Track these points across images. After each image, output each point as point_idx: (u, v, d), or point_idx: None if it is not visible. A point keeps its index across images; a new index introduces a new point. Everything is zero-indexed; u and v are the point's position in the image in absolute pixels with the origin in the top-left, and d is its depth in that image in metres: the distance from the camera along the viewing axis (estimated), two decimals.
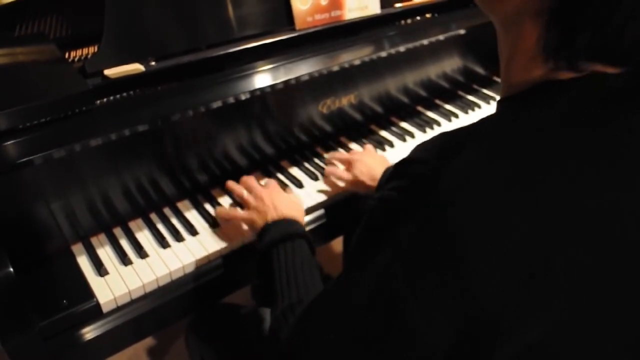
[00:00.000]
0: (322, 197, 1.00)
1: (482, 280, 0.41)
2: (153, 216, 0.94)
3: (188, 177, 0.96)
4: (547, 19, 0.45)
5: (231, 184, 0.96)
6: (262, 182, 0.99)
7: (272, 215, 0.83)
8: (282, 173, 1.06)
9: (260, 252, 0.78)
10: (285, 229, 0.79)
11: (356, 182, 0.98)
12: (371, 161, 0.99)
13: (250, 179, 0.94)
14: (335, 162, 1.05)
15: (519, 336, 0.41)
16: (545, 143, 0.43)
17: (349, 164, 1.01)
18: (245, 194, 0.91)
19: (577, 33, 0.43)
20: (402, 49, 1.10)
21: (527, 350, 0.41)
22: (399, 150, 1.14)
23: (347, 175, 0.99)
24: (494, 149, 0.44)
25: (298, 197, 0.96)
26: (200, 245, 0.89)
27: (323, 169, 1.06)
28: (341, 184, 1.01)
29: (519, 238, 0.41)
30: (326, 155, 1.09)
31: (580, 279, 0.41)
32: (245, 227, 0.90)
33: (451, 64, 1.29)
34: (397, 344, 0.45)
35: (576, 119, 0.44)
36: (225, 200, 0.98)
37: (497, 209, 0.41)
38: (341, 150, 1.13)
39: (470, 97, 1.33)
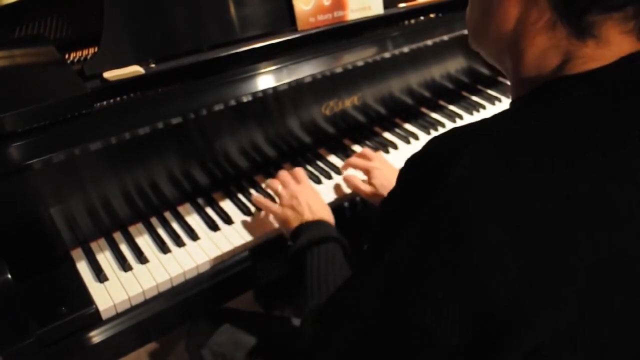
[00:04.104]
0: (326, 200, 0.98)
1: (494, 276, 0.40)
2: (153, 220, 0.93)
3: (189, 180, 0.95)
4: None
5: (269, 181, 0.96)
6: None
7: (307, 216, 0.83)
8: None
9: (294, 252, 0.78)
10: (320, 231, 0.79)
11: (375, 195, 0.93)
12: (391, 174, 0.94)
13: (286, 175, 0.93)
14: (353, 168, 1.00)
15: (532, 334, 0.40)
16: (560, 135, 0.43)
17: (367, 173, 0.97)
18: (279, 188, 0.91)
19: None
20: (405, 49, 1.09)
21: (538, 349, 0.41)
22: (403, 153, 1.12)
23: (365, 187, 0.94)
24: (506, 142, 0.43)
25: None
26: (201, 250, 0.88)
27: (325, 171, 1.05)
28: (360, 192, 0.95)
29: (533, 231, 0.40)
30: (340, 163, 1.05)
31: (594, 275, 0.41)
32: (274, 222, 0.90)
33: (455, 65, 1.28)
34: (409, 343, 0.44)
35: (591, 111, 0.44)
36: (226, 204, 0.97)
37: (511, 203, 0.41)
38: (340, 151, 1.11)
39: (475, 98, 1.32)
